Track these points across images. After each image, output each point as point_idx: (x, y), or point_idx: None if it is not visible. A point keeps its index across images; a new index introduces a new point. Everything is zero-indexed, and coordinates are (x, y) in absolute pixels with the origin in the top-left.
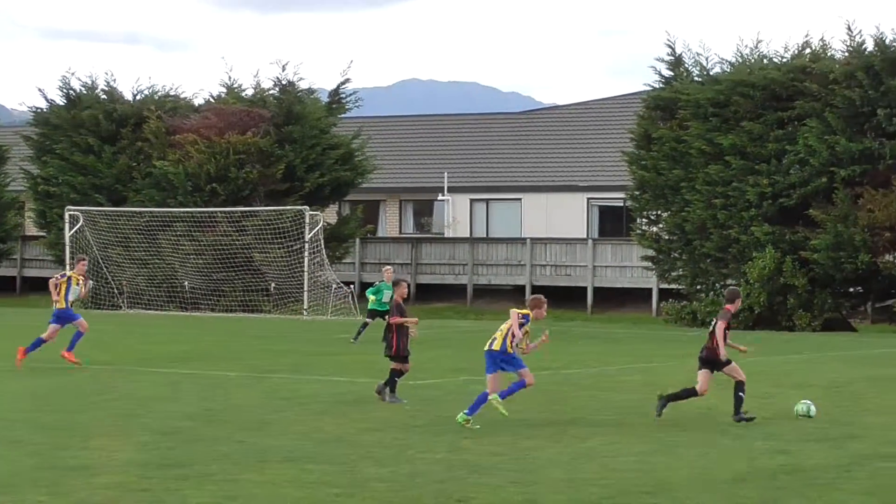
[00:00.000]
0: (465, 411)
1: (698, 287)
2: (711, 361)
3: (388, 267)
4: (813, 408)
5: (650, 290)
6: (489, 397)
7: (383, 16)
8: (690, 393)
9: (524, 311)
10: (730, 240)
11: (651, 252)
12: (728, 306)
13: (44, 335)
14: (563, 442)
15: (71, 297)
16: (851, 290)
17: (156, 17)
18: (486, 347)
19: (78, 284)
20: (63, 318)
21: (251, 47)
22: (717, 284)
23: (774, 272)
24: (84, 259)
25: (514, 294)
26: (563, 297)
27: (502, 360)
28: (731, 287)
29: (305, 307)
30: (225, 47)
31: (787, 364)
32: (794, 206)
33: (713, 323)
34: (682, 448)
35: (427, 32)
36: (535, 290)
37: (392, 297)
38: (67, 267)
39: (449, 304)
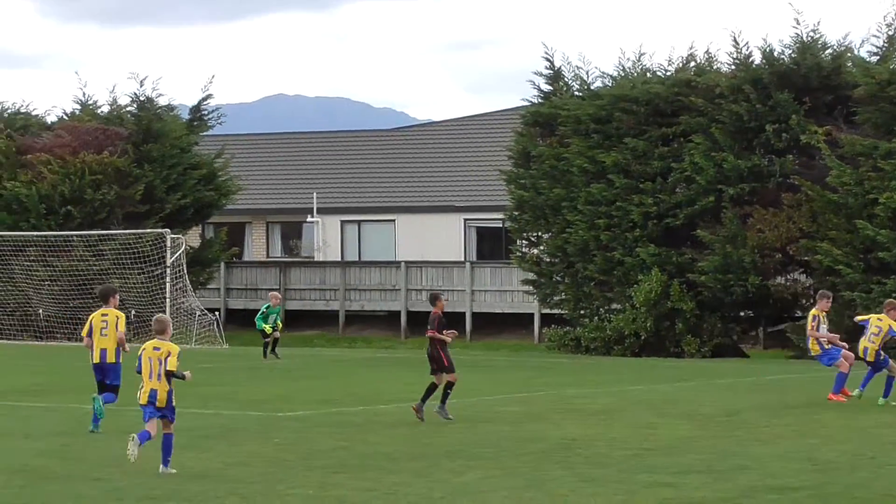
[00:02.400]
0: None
1: (582, 312)
2: None
3: (275, 292)
4: None
5: (531, 315)
6: None
7: (244, 29)
8: None
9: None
10: (614, 262)
11: (532, 275)
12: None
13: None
14: (435, 476)
15: None
16: (742, 314)
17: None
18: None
19: None
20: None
21: (104, 62)
22: (601, 309)
23: (661, 296)
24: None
25: (389, 320)
26: None
27: None
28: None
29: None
30: (77, 62)
31: (675, 392)
32: (680, 226)
33: None
34: (559, 482)
35: (293, 46)
36: (411, 315)
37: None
38: None
39: (319, 331)
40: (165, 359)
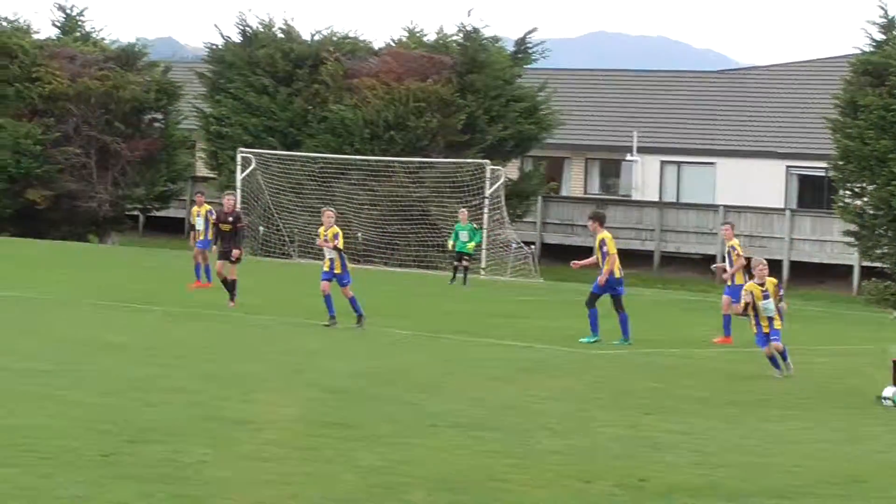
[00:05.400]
0: None
1: None
2: None
3: (463, 209)
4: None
5: (851, 267)
6: None
7: None
8: None
9: None
10: None
11: (853, 227)
12: None
13: None
14: (748, 424)
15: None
16: None
17: None
18: None
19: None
20: None
21: None
22: None
23: None
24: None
25: (704, 264)
26: None
27: None
28: None
29: (483, 266)
30: None
31: None
32: None
33: None
34: (877, 439)
35: None
36: (724, 260)
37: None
38: None
39: (634, 270)
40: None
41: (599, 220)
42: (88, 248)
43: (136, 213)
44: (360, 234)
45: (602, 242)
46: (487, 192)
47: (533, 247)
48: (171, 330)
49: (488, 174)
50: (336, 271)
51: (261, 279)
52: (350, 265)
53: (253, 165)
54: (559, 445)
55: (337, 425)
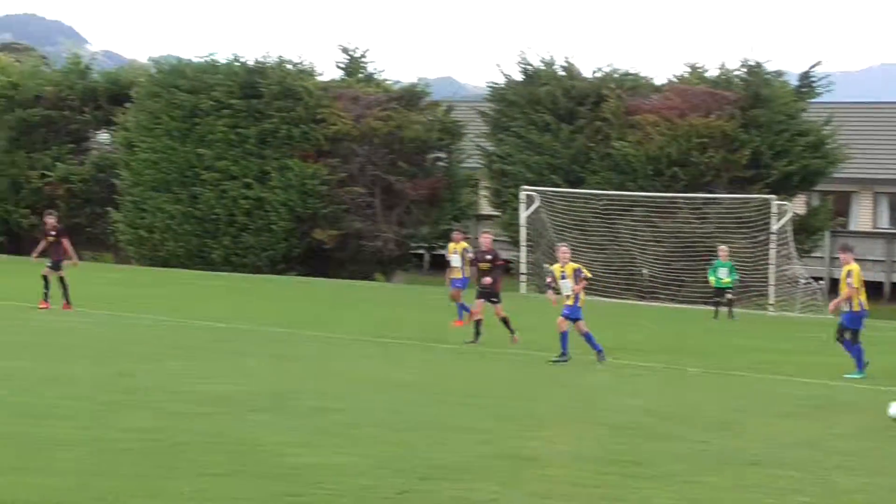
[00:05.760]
0: None
1: None
2: None
3: (724, 246)
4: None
5: None
6: None
7: None
8: None
9: None
10: None
11: None
12: None
13: None
14: None
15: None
16: None
17: None
18: None
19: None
20: None
21: (713, 26)
22: None
23: None
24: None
25: None
26: None
27: None
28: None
29: (771, 302)
30: (687, 25)
31: None
32: None
33: None
34: None
35: None
36: None
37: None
38: (522, 249)
39: None
40: None
41: (849, 251)
42: (373, 287)
43: (421, 251)
44: (645, 271)
45: (848, 273)
46: (774, 228)
47: (822, 282)
48: (455, 368)
49: (774, 209)
50: (569, 303)
51: (545, 316)
52: (638, 301)
53: (536, 203)
54: (858, 484)
55: (626, 463)
